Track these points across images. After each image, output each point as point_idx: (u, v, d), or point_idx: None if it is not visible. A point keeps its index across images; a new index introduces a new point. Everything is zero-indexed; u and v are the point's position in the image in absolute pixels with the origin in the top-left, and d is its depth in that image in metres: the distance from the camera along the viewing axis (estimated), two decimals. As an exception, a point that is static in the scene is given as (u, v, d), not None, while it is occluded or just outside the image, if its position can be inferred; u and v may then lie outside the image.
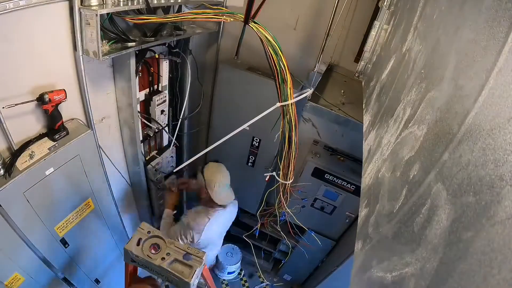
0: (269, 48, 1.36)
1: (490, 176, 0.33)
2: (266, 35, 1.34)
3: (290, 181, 1.86)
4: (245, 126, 1.68)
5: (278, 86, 1.48)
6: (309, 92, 1.77)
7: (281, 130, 1.64)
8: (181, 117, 2.22)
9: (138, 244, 1.32)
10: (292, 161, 1.73)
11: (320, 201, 2.24)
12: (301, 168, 2.12)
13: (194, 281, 1.29)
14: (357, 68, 1.88)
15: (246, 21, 1.34)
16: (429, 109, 0.59)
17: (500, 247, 0.28)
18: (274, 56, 1.37)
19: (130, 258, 1.33)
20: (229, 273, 3.07)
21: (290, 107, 1.53)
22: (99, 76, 1.54)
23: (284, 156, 1.72)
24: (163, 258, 1.28)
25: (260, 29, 1.34)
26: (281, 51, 1.38)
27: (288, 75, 1.42)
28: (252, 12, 1.32)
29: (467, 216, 0.35)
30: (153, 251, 1.32)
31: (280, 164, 1.78)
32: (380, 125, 0.97)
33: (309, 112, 2.02)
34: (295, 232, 2.38)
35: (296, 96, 1.55)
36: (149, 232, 1.36)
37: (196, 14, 1.39)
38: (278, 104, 1.54)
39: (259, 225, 2.51)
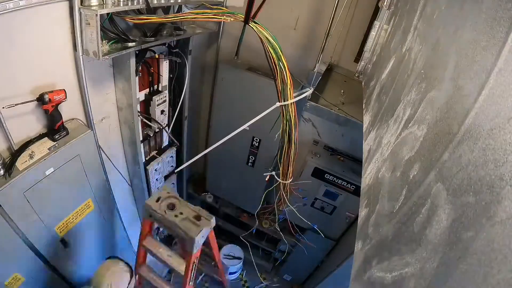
0: (269, 48, 1.36)
1: (490, 176, 0.33)
2: (266, 35, 1.35)
3: (290, 180, 1.87)
4: (245, 126, 1.68)
5: (278, 86, 1.48)
6: (309, 92, 1.77)
7: (281, 130, 1.64)
8: (181, 117, 2.22)
9: (157, 201, 1.53)
10: (292, 161, 1.73)
11: (320, 201, 2.24)
12: (301, 168, 2.12)
13: (200, 239, 1.44)
14: (357, 68, 1.88)
15: (246, 21, 1.34)
16: (429, 109, 0.59)
17: (500, 247, 0.28)
18: (274, 56, 1.38)
19: (149, 213, 1.52)
20: (231, 273, 3.06)
21: (290, 107, 1.53)
22: (99, 76, 1.54)
23: (284, 156, 1.73)
24: (176, 216, 1.47)
25: (260, 29, 1.34)
26: (281, 51, 1.38)
27: (288, 75, 1.43)
28: (252, 12, 1.32)
29: (467, 216, 0.35)
30: (168, 209, 1.51)
31: (280, 164, 1.79)
32: (380, 125, 0.97)
33: (309, 112, 2.01)
34: (295, 230, 2.38)
35: (296, 96, 1.55)
36: (168, 192, 1.58)
37: (196, 14, 1.39)
38: (278, 104, 1.54)
39: (256, 224, 2.52)
